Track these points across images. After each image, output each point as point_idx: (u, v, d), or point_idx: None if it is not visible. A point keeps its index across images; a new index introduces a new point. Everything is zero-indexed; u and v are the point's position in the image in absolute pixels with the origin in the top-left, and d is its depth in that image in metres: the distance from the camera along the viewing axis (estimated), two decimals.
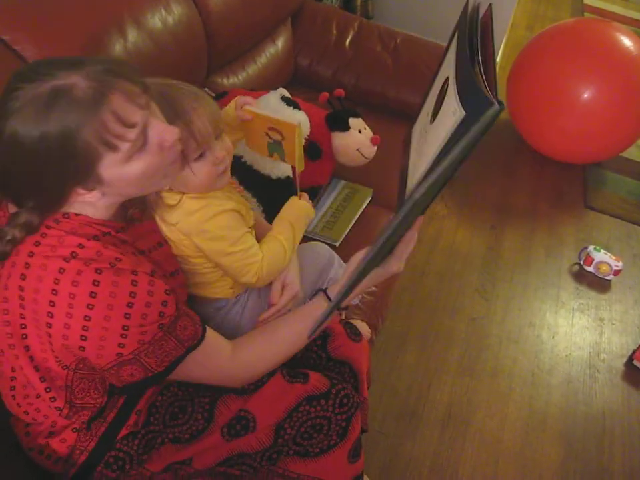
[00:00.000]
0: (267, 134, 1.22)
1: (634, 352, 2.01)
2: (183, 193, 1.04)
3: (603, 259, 2.27)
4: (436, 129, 0.78)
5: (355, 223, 1.64)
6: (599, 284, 2.30)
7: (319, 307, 1.01)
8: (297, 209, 1.24)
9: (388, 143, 1.67)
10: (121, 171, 0.77)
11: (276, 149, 1.26)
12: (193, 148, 0.97)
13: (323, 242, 1.46)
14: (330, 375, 1.08)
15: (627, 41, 2.44)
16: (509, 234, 2.45)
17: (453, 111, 0.69)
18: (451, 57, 0.83)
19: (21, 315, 0.81)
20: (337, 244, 1.56)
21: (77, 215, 0.81)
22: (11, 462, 0.97)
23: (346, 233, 1.60)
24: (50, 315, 0.78)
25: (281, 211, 1.24)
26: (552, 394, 1.88)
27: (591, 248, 2.31)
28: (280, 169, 1.49)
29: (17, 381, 0.89)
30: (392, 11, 3.44)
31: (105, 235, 0.83)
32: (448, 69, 0.82)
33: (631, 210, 2.70)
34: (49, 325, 0.79)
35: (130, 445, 0.94)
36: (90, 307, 0.77)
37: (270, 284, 1.21)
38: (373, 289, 1.53)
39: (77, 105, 0.71)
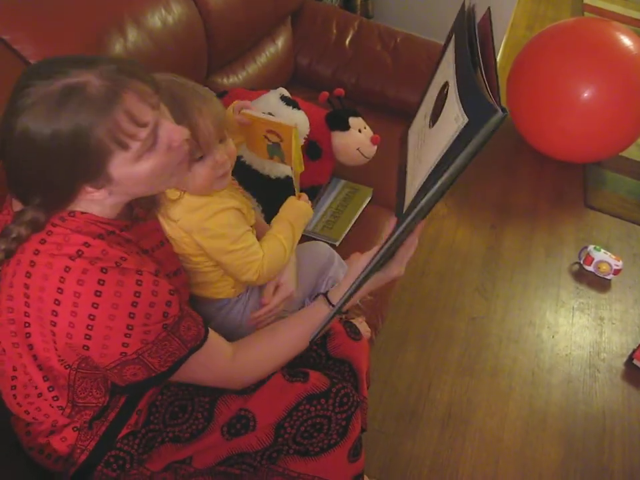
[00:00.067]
0: (266, 137, 1.22)
1: (634, 351, 2.01)
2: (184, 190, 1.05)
3: (603, 258, 2.27)
4: (436, 134, 0.78)
5: (355, 223, 1.64)
6: (599, 283, 2.30)
7: (319, 310, 1.01)
8: (296, 209, 1.24)
9: (388, 142, 1.67)
10: (130, 170, 0.77)
11: (276, 151, 1.26)
12: (194, 149, 0.97)
13: (323, 241, 1.46)
14: (330, 373, 1.08)
15: (626, 41, 2.44)
16: (509, 233, 2.45)
17: (455, 117, 0.69)
18: (449, 60, 0.83)
19: (25, 313, 0.81)
20: (337, 243, 1.56)
21: (82, 213, 0.81)
22: (11, 461, 0.97)
23: (346, 232, 1.60)
24: (55, 313, 0.78)
25: (280, 210, 1.24)
26: (552, 393, 1.88)
27: (591, 247, 2.31)
28: (279, 169, 1.49)
29: (18, 380, 0.89)
30: (392, 10, 3.44)
31: (110, 234, 0.83)
32: (447, 72, 0.82)
33: (630, 209, 2.70)
34: (54, 324, 0.79)
35: (130, 445, 0.95)
36: (95, 305, 0.77)
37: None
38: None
39: (90, 103, 0.71)
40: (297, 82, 2.14)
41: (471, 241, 2.38)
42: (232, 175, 1.11)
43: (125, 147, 0.74)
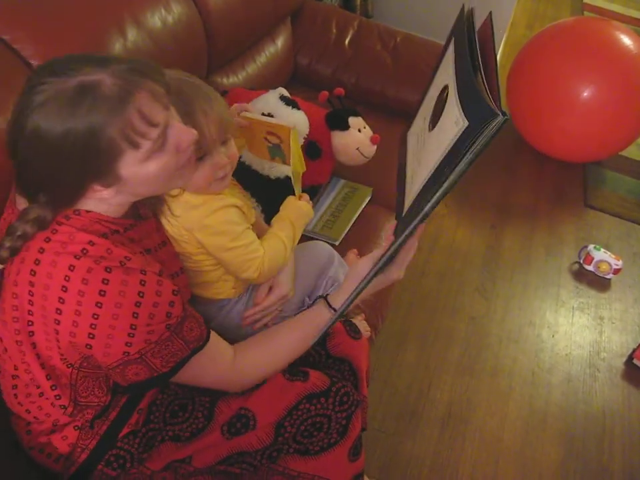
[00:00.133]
0: (266, 138, 1.23)
1: (634, 351, 2.01)
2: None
3: (603, 257, 2.27)
4: (436, 138, 0.78)
5: (354, 222, 1.64)
6: (599, 283, 2.30)
7: (319, 313, 1.01)
8: (297, 209, 1.24)
9: (388, 142, 1.67)
10: (139, 170, 0.77)
11: (277, 152, 1.27)
12: (196, 149, 0.97)
13: (323, 241, 1.46)
14: (330, 372, 1.08)
15: (626, 40, 2.44)
16: (508, 233, 2.45)
17: (455, 121, 0.69)
18: (448, 63, 0.83)
19: (29, 311, 0.81)
20: (337, 243, 1.56)
21: (87, 211, 0.81)
22: (11, 461, 0.97)
23: (346, 232, 1.60)
24: (59, 311, 0.78)
25: (281, 209, 1.24)
26: (552, 393, 1.88)
27: (590, 247, 2.31)
28: (279, 169, 1.49)
29: (20, 379, 0.89)
30: (391, 10, 3.44)
31: (114, 233, 0.83)
32: (446, 75, 0.82)
33: (630, 209, 2.70)
34: (57, 322, 0.79)
35: (131, 444, 0.95)
36: (99, 305, 0.77)
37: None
38: None
39: (103, 101, 0.71)
40: (297, 82, 2.14)
41: (471, 241, 2.38)
42: (232, 175, 1.11)
43: (136, 145, 0.75)
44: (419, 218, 0.77)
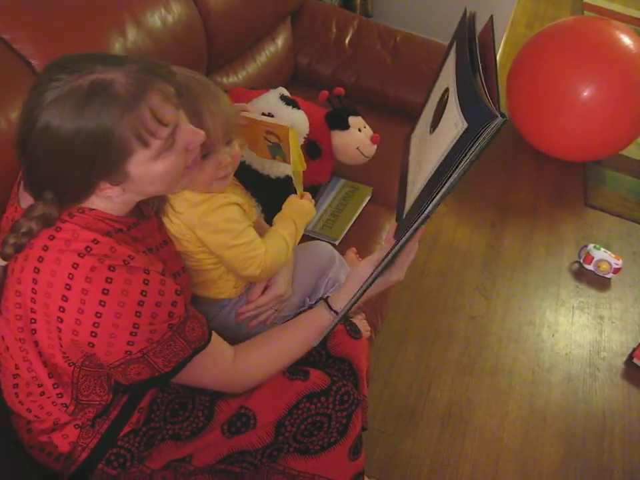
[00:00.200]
0: (266, 137, 1.23)
1: (634, 350, 2.01)
2: None
3: (603, 257, 2.27)
4: (436, 140, 0.79)
5: (354, 222, 1.64)
6: (599, 282, 2.30)
7: (320, 315, 1.01)
8: (299, 207, 1.25)
9: (388, 142, 1.67)
10: (147, 169, 0.78)
11: (277, 151, 1.27)
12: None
13: (323, 241, 1.46)
14: (330, 372, 1.08)
15: (626, 39, 2.44)
16: (508, 232, 2.45)
17: (454, 123, 0.70)
18: (449, 67, 0.84)
19: (32, 309, 0.81)
20: (337, 242, 1.56)
21: (91, 209, 0.82)
22: (11, 460, 0.97)
23: (346, 231, 1.60)
24: (62, 309, 0.78)
25: (283, 208, 1.24)
26: (552, 392, 1.88)
27: (590, 246, 2.31)
28: (279, 169, 1.49)
29: (21, 378, 0.89)
30: (391, 10, 3.44)
31: (118, 232, 0.83)
32: (447, 79, 0.83)
33: (630, 208, 2.70)
34: (60, 320, 0.79)
35: (131, 442, 0.95)
36: (102, 303, 0.77)
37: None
38: None
39: (116, 100, 0.72)
40: (297, 81, 2.14)
41: (471, 240, 2.38)
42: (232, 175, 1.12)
43: (146, 144, 0.75)
44: (420, 219, 0.77)
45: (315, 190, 1.62)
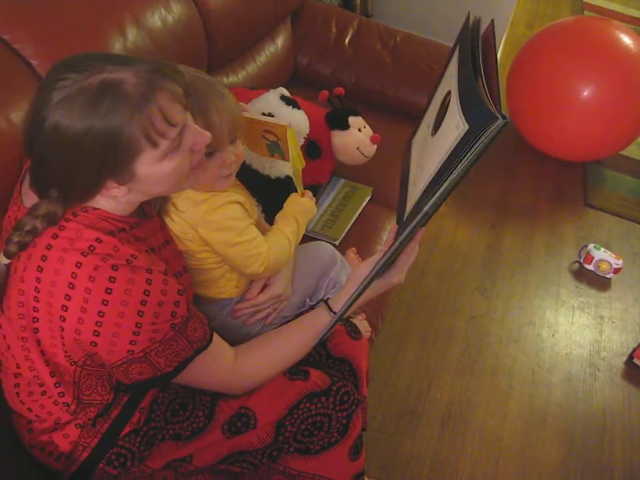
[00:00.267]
0: (264, 136, 1.24)
1: (634, 350, 2.01)
2: None
3: (603, 257, 2.27)
4: (438, 142, 0.79)
5: (354, 222, 1.64)
6: (599, 282, 2.30)
7: (320, 317, 1.01)
8: (300, 205, 1.25)
9: (388, 142, 1.67)
10: (153, 169, 0.78)
11: (275, 149, 1.28)
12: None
13: (324, 241, 1.46)
14: (330, 372, 1.08)
15: (626, 39, 2.44)
16: (509, 232, 2.45)
17: (456, 125, 0.70)
18: (452, 71, 0.84)
19: (35, 307, 0.81)
20: (337, 242, 1.56)
21: (94, 209, 0.82)
22: (11, 460, 0.97)
23: (346, 231, 1.60)
24: (65, 308, 0.78)
25: (284, 206, 1.25)
26: (552, 392, 1.88)
27: (591, 246, 2.31)
28: (279, 169, 1.49)
29: (22, 378, 0.89)
30: (391, 10, 3.45)
31: (121, 231, 0.83)
32: (449, 82, 0.83)
33: (630, 208, 2.70)
34: (63, 319, 0.79)
35: (132, 442, 0.95)
36: (105, 302, 0.77)
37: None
38: None
39: (126, 100, 0.72)
40: (297, 81, 2.14)
41: (471, 240, 2.38)
42: None
43: (155, 144, 0.75)
44: (419, 216, 0.77)
45: (315, 190, 1.62)
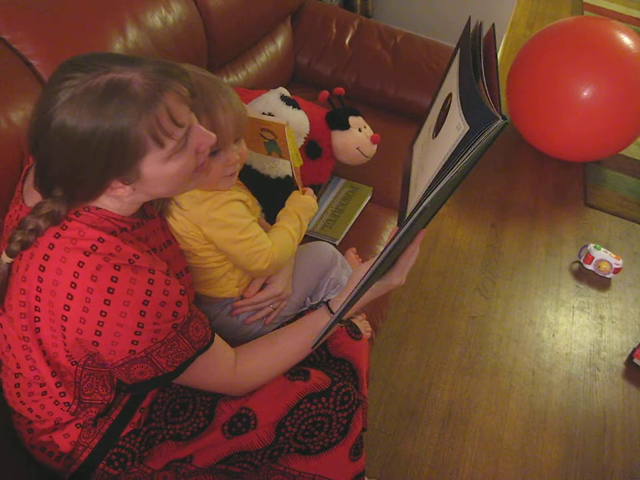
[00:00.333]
0: (261, 134, 1.24)
1: (634, 350, 2.01)
2: None
3: (603, 257, 2.27)
4: (439, 144, 0.79)
5: (355, 222, 1.64)
6: (599, 282, 2.30)
7: (321, 318, 1.01)
8: (302, 202, 1.26)
9: (388, 142, 1.67)
10: (159, 169, 0.78)
11: (273, 147, 1.28)
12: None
13: (324, 241, 1.46)
14: (330, 372, 1.08)
15: (626, 40, 2.44)
16: (509, 232, 2.45)
17: (457, 126, 0.70)
18: (453, 74, 0.84)
19: (36, 307, 0.81)
20: (337, 243, 1.56)
21: (97, 208, 0.82)
22: (12, 460, 0.97)
23: (346, 231, 1.60)
24: (67, 308, 0.78)
25: (286, 204, 1.25)
26: (552, 392, 1.88)
27: (591, 246, 2.31)
28: (279, 169, 1.49)
29: (23, 377, 0.89)
30: (391, 10, 3.44)
31: (123, 231, 0.83)
32: (450, 85, 0.83)
33: (630, 208, 2.70)
34: (65, 318, 0.79)
35: (132, 442, 0.95)
36: (107, 302, 0.77)
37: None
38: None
39: (133, 100, 0.72)
40: (297, 81, 2.14)
41: (471, 240, 2.38)
42: None
43: (161, 144, 0.75)
44: (418, 212, 0.77)
45: (315, 190, 1.61)
